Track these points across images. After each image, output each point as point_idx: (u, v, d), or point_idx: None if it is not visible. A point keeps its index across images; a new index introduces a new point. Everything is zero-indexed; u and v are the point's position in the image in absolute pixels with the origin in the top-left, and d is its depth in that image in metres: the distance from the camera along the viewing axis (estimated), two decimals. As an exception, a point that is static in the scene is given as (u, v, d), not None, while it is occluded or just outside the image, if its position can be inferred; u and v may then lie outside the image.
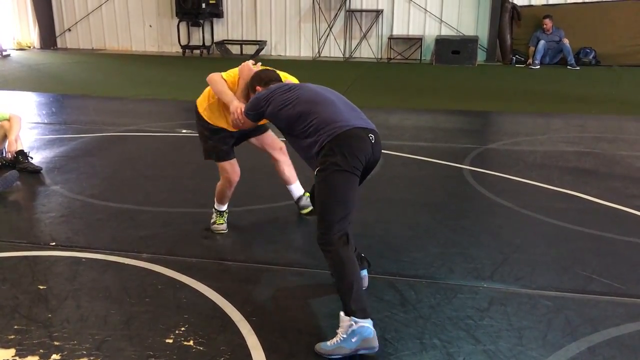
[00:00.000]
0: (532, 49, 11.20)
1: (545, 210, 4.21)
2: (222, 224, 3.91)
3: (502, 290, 3.13)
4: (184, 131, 6.51)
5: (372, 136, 2.74)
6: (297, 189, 4.08)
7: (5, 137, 5.16)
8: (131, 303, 2.97)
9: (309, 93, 2.93)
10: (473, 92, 8.99)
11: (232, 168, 3.75)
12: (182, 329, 2.75)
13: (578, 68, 10.90)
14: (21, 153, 5.09)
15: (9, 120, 5.17)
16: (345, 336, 2.51)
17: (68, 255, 3.52)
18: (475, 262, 3.45)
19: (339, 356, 2.52)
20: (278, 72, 3.41)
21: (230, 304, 2.95)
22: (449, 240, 3.76)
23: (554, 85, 9.56)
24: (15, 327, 2.75)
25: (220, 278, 3.24)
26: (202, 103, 3.69)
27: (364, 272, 3.09)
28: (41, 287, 3.12)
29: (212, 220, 3.91)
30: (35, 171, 5.01)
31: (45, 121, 6.98)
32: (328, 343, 2.55)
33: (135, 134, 6.41)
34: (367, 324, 2.52)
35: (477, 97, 8.57)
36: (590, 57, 11.15)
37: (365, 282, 3.08)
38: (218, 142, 3.67)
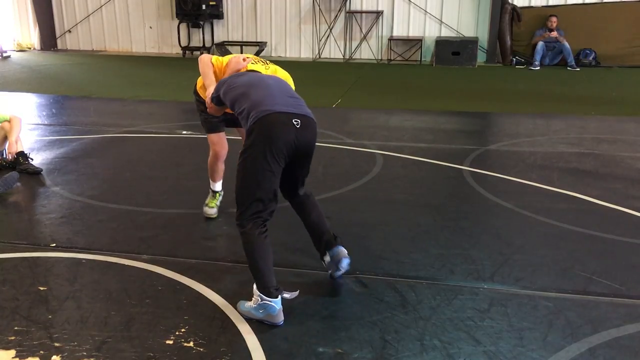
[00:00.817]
0: (537, 39, 11.14)
1: (546, 211, 4.21)
2: (213, 207, 4.12)
3: (502, 292, 3.13)
4: (184, 132, 6.51)
5: (296, 121, 2.81)
6: None
7: (5, 138, 5.16)
8: (131, 304, 2.97)
9: (252, 78, 3.09)
10: (473, 93, 9.00)
11: (219, 140, 4.00)
12: (183, 330, 2.75)
13: (578, 69, 10.90)
14: (21, 154, 5.10)
15: (9, 121, 5.17)
16: (255, 306, 2.82)
17: (68, 256, 3.52)
18: (476, 263, 3.45)
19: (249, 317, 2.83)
20: (272, 65, 3.55)
21: (230, 305, 2.95)
22: (449, 241, 3.76)
23: (554, 86, 9.57)
24: (16, 328, 2.75)
25: (221, 279, 3.24)
26: (199, 82, 3.96)
27: (339, 247, 3.19)
28: (41, 288, 3.12)
29: (204, 202, 4.14)
30: (36, 172, 5.02)
31: (46, 122, 6.98)
32: (246, 304, 2.87)
33: (135, 135, 6.42)
34: (273, 302, 2.77)
35: (477, 98, 8.58)
36: (590, 58, 11.15)
37: (345, 253, 3.17)
38: (208, 116, 3.84)
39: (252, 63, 3.49)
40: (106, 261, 3.45)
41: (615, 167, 5.28)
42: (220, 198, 4.22)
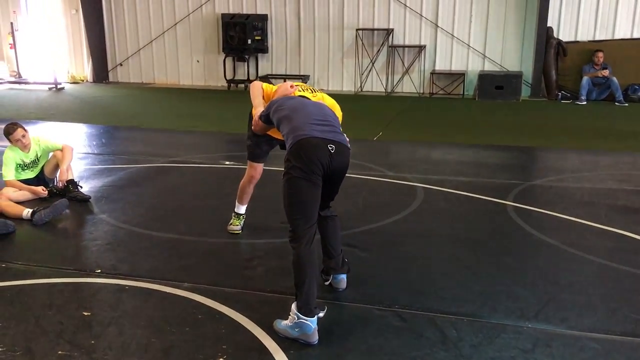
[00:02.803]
0: (587, 75, 10.97)
1: (593, 249, 4.09)
2: (237, 225, 4.40)
3: (547, 331, 3.03)
4: (227, 163, 6.62)
5: (331, 146, 3.02)
6: None
7: (57, 166, 5.36)
8: (171, 332, 3.00)
9: (297, 103, 3.32)
10: (517, 128, 8.88)
11: (257, 168, 4.27)
12: (221, 359, 2.75)
13: (626, 105, 10.66)
14: (71, 182, 5.27)
15: (61, 150, 5.37)
16: (291, 324, 2.91)
17: (112, 282, 3.59)
18: (520, 301, 3.36)
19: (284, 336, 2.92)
20: (319, 92, 3.79)
21: (268, 336, 2.95)
22: (491, 277, 3.68)
23: (602, 121, 9.36)
24: (59, 352, 2.81)
25: (259, 309, 3.24)
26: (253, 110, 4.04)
27: (342, 276, 3.48)
28: (85, 314, 3.19)
29: (229, 223, 4.42)
30: (84, 200, 5.17)
31: (95, 152, 7.22)
32: (282, 322, 2.96)
33: (180, 165, 6.57)
34: (309, 322, 2.86)
35: (521, 133, 8.46)
36: (639, 93, 10.89)
37: (343, 285, 3.48)
38: (254, 144, 4.15)
39: (300, 90, 3.68)
40: (148, 288, 3.50)
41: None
42: (243, 221, 4.45)
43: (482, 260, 3.95)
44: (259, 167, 4.29)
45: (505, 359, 2.77)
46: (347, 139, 3.22)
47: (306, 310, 2.87)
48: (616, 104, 10.76)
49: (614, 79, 10.81)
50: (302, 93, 3.65)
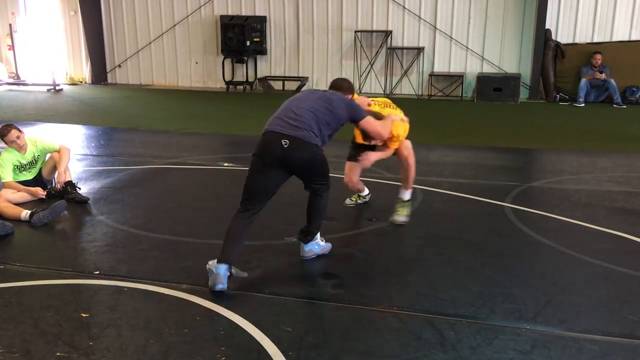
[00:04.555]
0: (585, 77, 10.99)
1: (591, 251, 4.09)
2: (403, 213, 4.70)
3: (545, 333, 3.04)
4: (225, 164, 6.63)
5: (285, 142, 3.49)
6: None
7: (55, 167, 5.35)
8: (170, 334, 3.00)
9: (294, 98, 3.84)
10: (515, 129, 8.90)
11: (347, 165, 4.91)
12: (219, 361, 2.75)
13: (624, 107, 10.68)
14: (69, 184, 5.27)
15: (58, 151, 5.37)
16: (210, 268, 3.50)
17: (111, 284, 3.59)
18: (518, 302, 3.36)
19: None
20: (391, 103, 4.68)
21: (267, 338, 2.95)
22: (490, 279, 3.69)
23: (600, 123, 9.38)
24: (58, 354, 2.81)
25: (258, 311, 3.25)
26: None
27: (304, 245, 3.93)
28: (84, 315, 3.19)
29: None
30: (83, 201, 5.17)
31: (94, 153, 7.22)
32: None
33: (179, 166, 6.57)
34: (214, 267, 3.46)
35: (519, 134, 8.47)
36: (637, 95, 10.93)
37: (303, 253, 3.94)
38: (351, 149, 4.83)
39: (375, 104, 4.45)
40: (147, 290, 3.50)
41: (664, 207, 5.10)
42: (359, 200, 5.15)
43: (480, 262, 3.95)
44: (347, 165, 4.86)
45: (503, 360, 2.78)
46: (307, 130, 3.53)
47: (218, 257, 3.47)
48: (614, 105, 10.78)
49: (612, 81, 10.83)
50: (374, 107, 4.34)
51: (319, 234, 3.94)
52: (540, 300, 3.39)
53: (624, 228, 4.54)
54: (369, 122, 3.91)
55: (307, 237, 3.91)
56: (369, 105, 4.35)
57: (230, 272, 3.47)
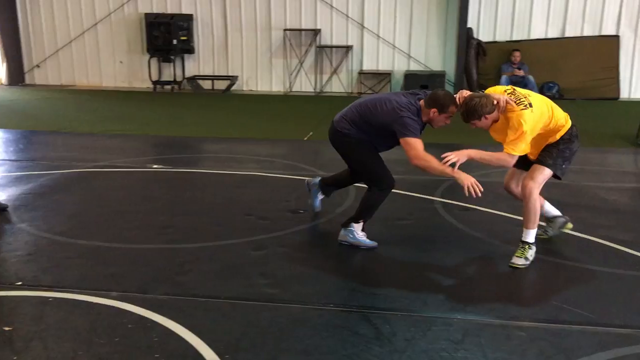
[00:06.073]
0: (505, 74, 11.44)
1: (516, 241, 4.26)
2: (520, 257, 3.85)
3: (476, 321, 3.14)
4: (154, 166, 6.46)
5: (330, 127, 4.13)
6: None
7: (-30, 174, 5.04)
8: (100, 344, 2.89)
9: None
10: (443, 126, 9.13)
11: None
12: (154, 369, 2.68)
13: (542, 101, 11.20)
14: (-14, 190, 4.98)
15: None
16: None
17: (34, 295, 3.41)
18: (449, 293, 3.46)
19: None
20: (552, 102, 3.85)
21: (203, 342, 2.89)
22: (422, 272, 3.77)
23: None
24: (-22, 371, 2.65)
25: (193, 315, 3.18)
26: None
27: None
28: (6, 329, 3.02)
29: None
30: (1, 209, 4.90)
31: (12, 158, 6.85)
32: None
33: (105, 169, 6.34)
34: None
35: (447, 130, 8.69)
36: (554, 91, 11.49)
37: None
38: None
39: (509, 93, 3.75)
40: (74, 299, 3.36)
41: (581, 197, 5.39)
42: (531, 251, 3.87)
43: (413, 256, 4.04)
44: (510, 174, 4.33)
45: (437, 350, 2.85)
46: (343, 118, 4.03)
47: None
48: (533, 101, 11.28)
49: (531, 77, 11.35)
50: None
51: (359, 226, 4.10)
52: (470, 290, 3.51)
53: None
54: (407, 143, 3.86)
55: (346, 222, 4.14)
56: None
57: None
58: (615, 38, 11.52)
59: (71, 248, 4.14)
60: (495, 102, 3.65)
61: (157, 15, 12.59)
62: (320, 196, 4.70)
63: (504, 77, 11.40)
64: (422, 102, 3.95)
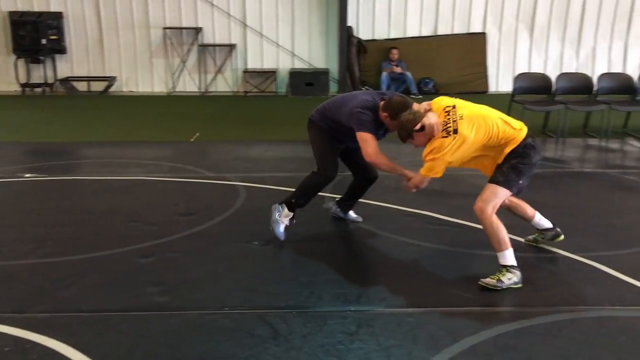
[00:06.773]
0: (385, 70, 11.85)
1: (404, 231, 4.44)
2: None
3: (368, 312, 3.23)
4: (27, 175, 6.00)
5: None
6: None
7: None
8: (-28, 372, 2.64)
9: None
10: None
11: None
12: (35, 394, 2.49)
13: (421, 97, 11.77)
14: None
15: None
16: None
17: None
18: (343, 287, 3.53)
19: None
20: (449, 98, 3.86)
21: (88, 359, 2.73)
22: (315, 268, 3.82)
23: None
24: None
25: (77, 332, 2.99)
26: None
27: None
28: None
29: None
30: None
31: None
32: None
33: (-31, 181, 5.79)
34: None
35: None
36: (430, 86, 12.11)
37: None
38: None
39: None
40: (-62, 326, 3.03)
41: (459, 186, 5.72)
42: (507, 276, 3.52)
43: (305, 253, 4.08)
44: None
45: (333, 344, 2.90)
46: (317, 109, 4.30)
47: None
48: (412, 96, 11.83)
49: (408, 73, 11.87)
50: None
51: (283, 213, 4.19)
52: (362, 282, 3.60)
53: (429, 207, 5.00)
54: (360, 137, 3.94)
55: (283, 200, 4.25)
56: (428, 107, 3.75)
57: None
58: (482, 35, 12.34)
59: None
60: (422, 119, 3.57)
61: (23, 13, 11.72)
62: (352, 215, 4.70)
63: (384, 74, 11.84)
64: (382, 102, 3.95)
